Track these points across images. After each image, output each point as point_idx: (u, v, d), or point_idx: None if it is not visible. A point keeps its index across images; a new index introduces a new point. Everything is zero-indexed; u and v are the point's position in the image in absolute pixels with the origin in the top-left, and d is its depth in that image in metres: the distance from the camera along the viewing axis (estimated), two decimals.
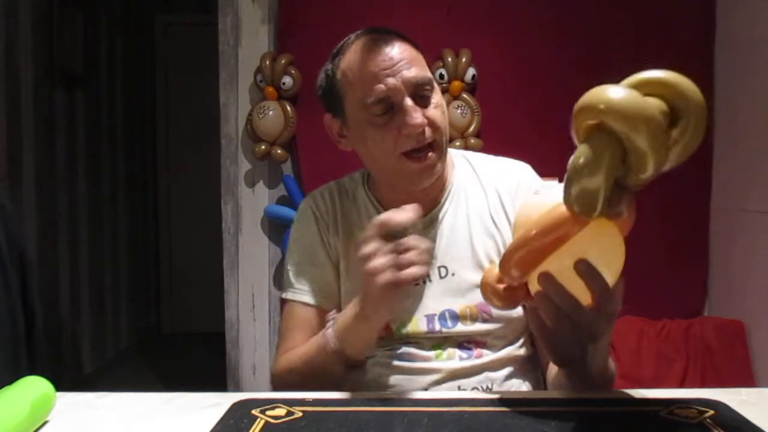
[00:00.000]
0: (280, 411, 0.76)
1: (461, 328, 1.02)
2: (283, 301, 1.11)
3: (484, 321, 1.02)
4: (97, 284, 3.65)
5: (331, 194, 1.13)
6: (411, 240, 0.83)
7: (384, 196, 1.09)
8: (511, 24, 2.34)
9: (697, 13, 2.30)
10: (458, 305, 1.03)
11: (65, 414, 0.78)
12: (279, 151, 2.33)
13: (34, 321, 1.11)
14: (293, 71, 2.30)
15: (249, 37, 2.41)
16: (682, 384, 2.11)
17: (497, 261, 0.89)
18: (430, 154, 0.99)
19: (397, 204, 1.00)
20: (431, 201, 1.07)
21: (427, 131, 0.98)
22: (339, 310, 1.06)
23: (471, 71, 2.27)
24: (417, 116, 0.96)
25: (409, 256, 0.82)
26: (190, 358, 3.91)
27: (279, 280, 2.45)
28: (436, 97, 1.01)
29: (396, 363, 1.02)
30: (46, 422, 0.75)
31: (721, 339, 2.15)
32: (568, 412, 0.73)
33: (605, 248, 0.72)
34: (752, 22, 2.12)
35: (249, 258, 2.45)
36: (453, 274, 1.04)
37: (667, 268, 2.29)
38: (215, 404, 0.79)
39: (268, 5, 2.39)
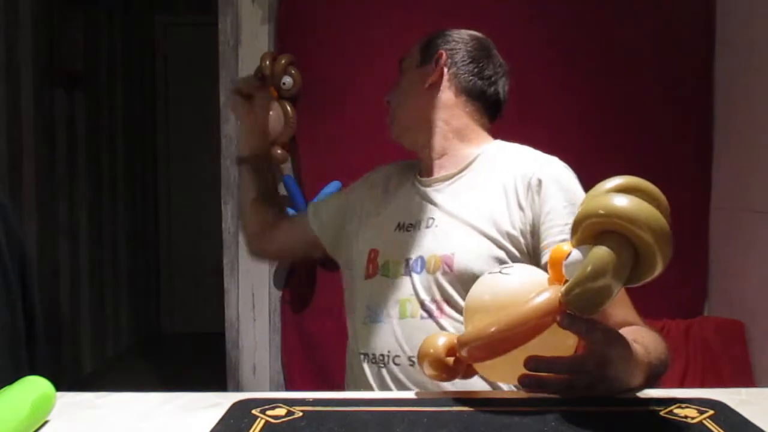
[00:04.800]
0: (280, 411, 0.76)
1: (423, 277, 1.09)
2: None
3: (444, 273, 1.07)
4: (97, 284, 3.65)
5: (404, 164, 1.31)
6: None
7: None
8: (511, 24, 2.34)
9: (697, 12, 2.30)
10: (428, 254, 1.09)
11: (65, 414, 0.78)
12: (279, 151, 2.33)
13: (34, 321, 1.11)
14: (293, 71, 2.30)
15: (249, 37, 2.40)
16: (682, 384, 2.11)
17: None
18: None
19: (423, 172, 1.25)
20: (449, 173, 1.20)
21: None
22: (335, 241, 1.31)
23: None
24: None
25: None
26: (190, 358, 3.91)
27: (279, 281, 2.45)
28: (402, 78, 1.26)
29: (369, 324, 1.13)
30: (46, 422, 0.75)
31: (721, 339, 2.15)
32: (568, 412, 0.73)
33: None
34: (752, 22, 2.12)
35: (249, 258, 2.45)
36: (436, 226, 1.12)
37: (667, 268, 2.28)
38: (215, 404, 0.79)
39: (268, 5, 2.38)
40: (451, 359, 0.81)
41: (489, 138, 1.24)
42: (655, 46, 2.29)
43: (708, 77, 2.30)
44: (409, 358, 1.05)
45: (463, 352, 0.79)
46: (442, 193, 1.17)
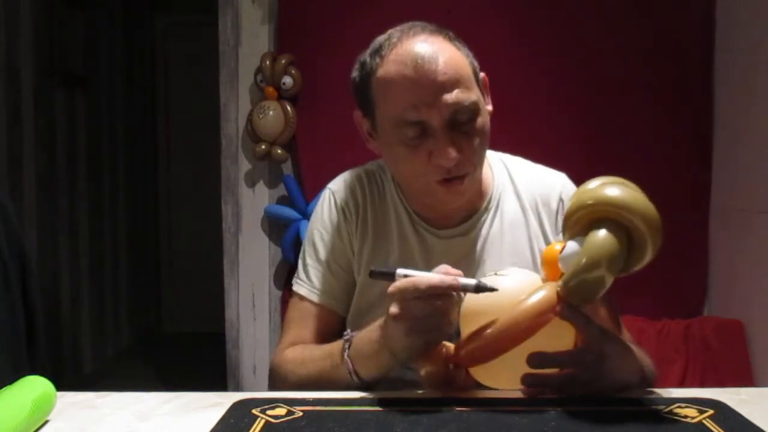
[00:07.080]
0: (281, 410, 0.76)
1: None
2: (291, 289, 1.08)
3: None
4: (97, 284, 3.65)
5: (362, 188, 1.06)
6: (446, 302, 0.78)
7: (414, 202, 1.03)
8: (512, 24, 2.34)
9: (697, 14, 2.30)
10: None
11: (65, 414, 0.78)
12: (279, 151, 2.33)
13: (34, 320, 1.11)
14: (293, 71, 2.30)
15: (249, 37, 2.40)
16: (682, 384, 2.11)
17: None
18: (461, 183, 0.93)
19: (428, 214, 1.02)
20: (469, 208, 1.02)
21: (461, 162, 0.91)
22: (347, 310, 1.04)
23: None
24: (450, 151, 0.89)
25: (438, 320, 0.78)
26: (190, 358, 3.90)
27: (279, 280, 2.45)
28: (480, 120, 0.93)
29: (409, 376, 0.94)
30: (46, 422, 0.75)
31: (721, 339, 2.15)
32: (568, 412, 0.74)
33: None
34: (752, 22, 2.12)
35: (249, 258, 2.45)
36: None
37: (667, 267, 2.28)
38: (215, 404, 0.79)
39: (268, 5, 2.39)
40: (449, 366, 0.81)
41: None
42: (655, 47, 2.29)
43: (708, 77, 2.30)
44: None
45: (462, 355, 0.79)
46: (471, 246, 1.01)
